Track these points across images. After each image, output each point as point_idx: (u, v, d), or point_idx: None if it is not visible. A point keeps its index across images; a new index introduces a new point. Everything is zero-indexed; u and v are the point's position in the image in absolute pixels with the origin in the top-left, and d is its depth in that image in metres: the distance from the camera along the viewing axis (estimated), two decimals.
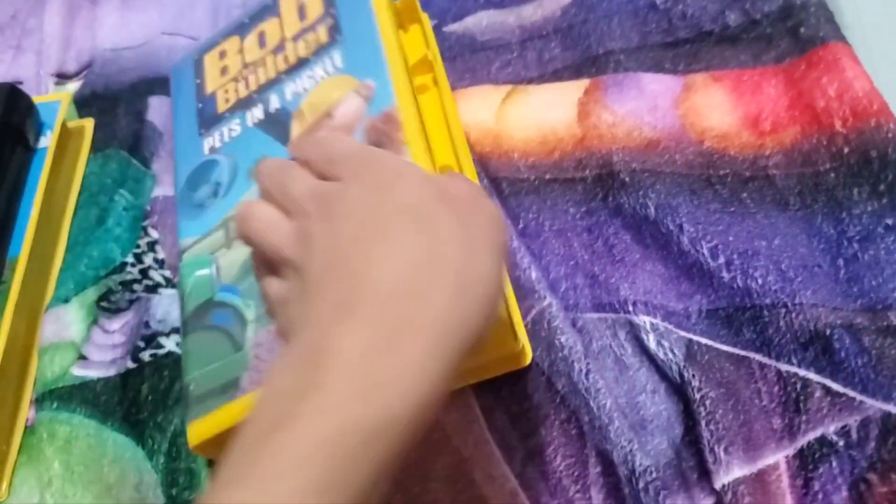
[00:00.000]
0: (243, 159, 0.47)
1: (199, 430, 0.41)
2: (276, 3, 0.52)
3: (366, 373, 0.26)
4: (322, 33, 0.48)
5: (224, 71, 0.52)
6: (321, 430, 0.25)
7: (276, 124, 0.47)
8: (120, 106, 0.61)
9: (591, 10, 0.57)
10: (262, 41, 0.51)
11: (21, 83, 0.66)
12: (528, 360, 0.44)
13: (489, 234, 0.31)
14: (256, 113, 0.48)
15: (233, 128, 0.49)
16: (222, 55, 0.53)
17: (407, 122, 0.42)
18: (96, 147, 0.60)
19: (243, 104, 0.49)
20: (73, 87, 0.65)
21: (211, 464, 0.45)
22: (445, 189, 0.31)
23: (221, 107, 0.50)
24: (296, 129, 0.46)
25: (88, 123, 0.61)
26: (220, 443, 0.41)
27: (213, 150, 0.49)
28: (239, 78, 0.50)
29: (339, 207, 0.31)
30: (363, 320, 0.27)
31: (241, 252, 0.44)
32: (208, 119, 0.50)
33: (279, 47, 0.50)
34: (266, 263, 0.34)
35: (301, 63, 0.48)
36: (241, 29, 0.53)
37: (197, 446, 0.41)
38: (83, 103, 0.63)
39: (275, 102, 0.48)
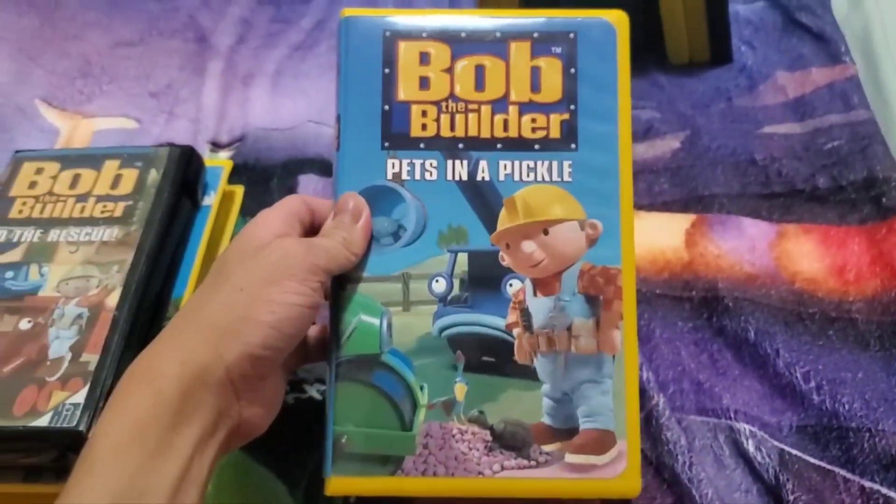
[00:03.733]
0: (436, 219, 0.45)
1: (342, 485, 0.43)
2: (507, 45, 0.46)
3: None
4: (554, 123, 0.45)
5: (424, 83, 0.46)
6: None
7: (480, 198, 0.45)
8: (272, 179, 0.69)
9: (699, 157, 0.66)
10: (479, 81, 0.46)
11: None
12: (638, 493, 0.44)
13: (274, 269, 0.40)
14: (459, 169, 0.45)
15: (428, 169, 0.45)
16: (424, 58, 0.46)
17: (626, 293, 0.44)
18: (245, 211, 0.67)
19: (444, 146, 0.45)
20: (224, 154, 0.73)
21: (348, 500, 0.51)
22: (244, 247, 0.42)
23: (416, 130, 0.45)
24: (504, 220, 0.45)
25: (239, 189, 0.69)
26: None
27: (396, 177, 0.45)
28: (443, 109, 0.45)
29: None
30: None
31: (420, 321, 0.44)
32: (397, 137, 0.45)
33: (499, 103, 0.45)
34: None
35: (523, 143, 0.45)
36: (455, 41, 0.46)
37: (332, 497, 0.45)
38: (233, 171, 0.71)
39: (484, 171, 0.45)
